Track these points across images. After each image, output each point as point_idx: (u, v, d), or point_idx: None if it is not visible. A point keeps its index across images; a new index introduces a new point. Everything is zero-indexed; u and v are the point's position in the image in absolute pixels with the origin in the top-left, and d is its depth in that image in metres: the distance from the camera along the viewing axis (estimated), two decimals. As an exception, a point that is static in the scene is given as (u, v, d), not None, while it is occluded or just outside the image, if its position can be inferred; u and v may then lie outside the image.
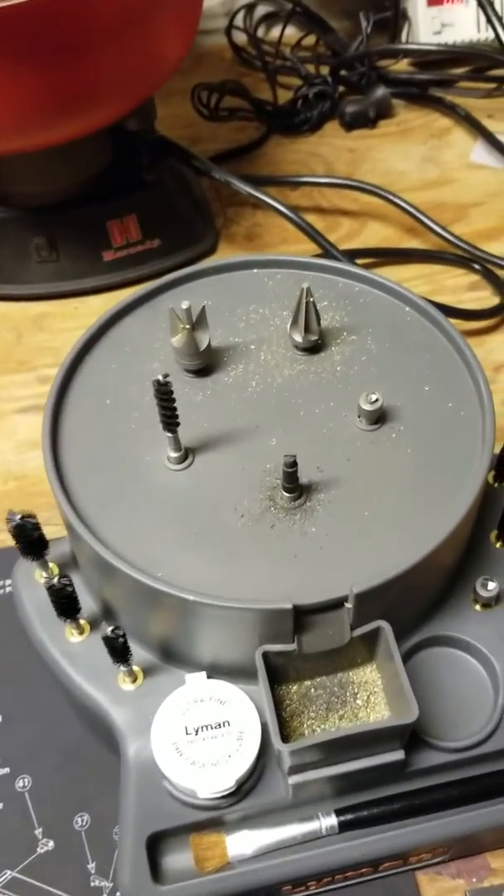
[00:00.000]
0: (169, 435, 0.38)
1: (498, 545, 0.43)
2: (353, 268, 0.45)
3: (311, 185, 0.70)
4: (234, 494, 0.38)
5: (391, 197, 0.66)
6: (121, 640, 0.37)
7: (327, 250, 0.60)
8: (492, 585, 0.41)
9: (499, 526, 0.43)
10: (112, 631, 0.36)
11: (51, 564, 0.43)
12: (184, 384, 0.42)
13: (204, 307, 0.40)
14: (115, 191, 0.65)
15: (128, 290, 0.67)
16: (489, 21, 0.69)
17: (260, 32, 0.85)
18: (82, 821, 0.44)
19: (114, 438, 0.41)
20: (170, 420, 0.37)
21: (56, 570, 0.43)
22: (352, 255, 0.63)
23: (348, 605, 0.35)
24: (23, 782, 0.45)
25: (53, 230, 0.64)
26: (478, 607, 0.41)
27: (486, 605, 0.41)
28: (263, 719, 0.37)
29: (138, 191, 0.65)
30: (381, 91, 0.77)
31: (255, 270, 0.47)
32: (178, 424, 0.37)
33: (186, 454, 0.39)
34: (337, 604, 0.36)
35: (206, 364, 0.42)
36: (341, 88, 0.79)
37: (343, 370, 0.42)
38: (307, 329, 0.42)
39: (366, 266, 0.67)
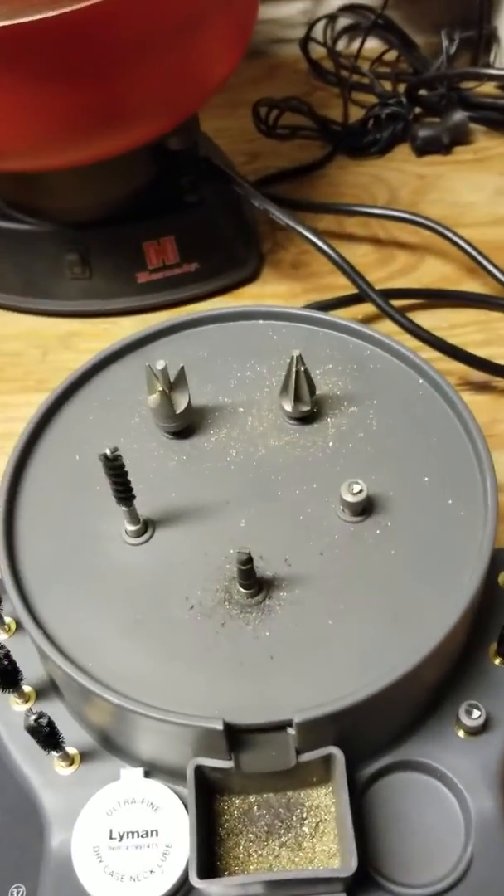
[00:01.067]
0: (124, 509, 0.34)
1: (497, 661, 0.38)
2: (364, 328, 0.40)
3: (365, 215, 0.64)
4: (189, 581, 0.34)
5: (450, 234, 0.61)
6: (45, 728, 0.33)
7: (362, 290, 0.55)
8: (476, 714, 0.35)
9: (499, 640, 0.37)
10: (35, 720, 0.33)
11: (7, 620, 0.40)
12: (159, 445, 0.39)
13: (182, 368, 0.36)
14: (154, 210, 0.61)
15: (160, 313, 0.64)
16: None
17: (340, 45, 0.80)
18: (18, 893, 0.41)
19: (76, 501, 0.37)
20: (122, 495, 0.33)
21: (13, 627, 0.41)
22: (393, 295, 0.58)
23: (291, 730, 0.31)
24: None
25: (88, 247, 0.61)
26: (461, 734, 0.36)
27: (473, 733, 0.36)
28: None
29: (178, 212, 0.61)
30: (458, 115, 0.71)
31: (259, 322, 0.42)
32: (132, 498, 0.34)
33: (146, 527, 0.36)
34: (279, 727, 0.31)
35: (184, 426, 0.38)
36: (417, 110, 0.74)
37: (335, 446, 0.38)
38: (297, 399, 0.37)
39: (414, 308, 0.62)
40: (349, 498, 0.34)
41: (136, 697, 0.31)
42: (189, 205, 0.61)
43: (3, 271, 0.64)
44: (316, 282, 0.65)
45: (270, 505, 0.36)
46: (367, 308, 0.60)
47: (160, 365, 0.35)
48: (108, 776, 0.36)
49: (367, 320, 0.61)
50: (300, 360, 0.36)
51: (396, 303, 0.58)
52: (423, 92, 0.74)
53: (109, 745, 0.36)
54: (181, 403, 0.37)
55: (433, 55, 0.76)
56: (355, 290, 0.58)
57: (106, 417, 0.40)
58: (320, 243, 0.55)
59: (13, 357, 0.63)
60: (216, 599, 0.34)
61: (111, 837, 0.34)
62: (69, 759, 0.37)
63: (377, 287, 0.58)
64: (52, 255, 0.62)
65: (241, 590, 0.33)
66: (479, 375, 0.57)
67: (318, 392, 0.39)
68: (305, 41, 0.79)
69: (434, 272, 0.65)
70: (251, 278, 0.65)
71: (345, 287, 0.61)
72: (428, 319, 0.59)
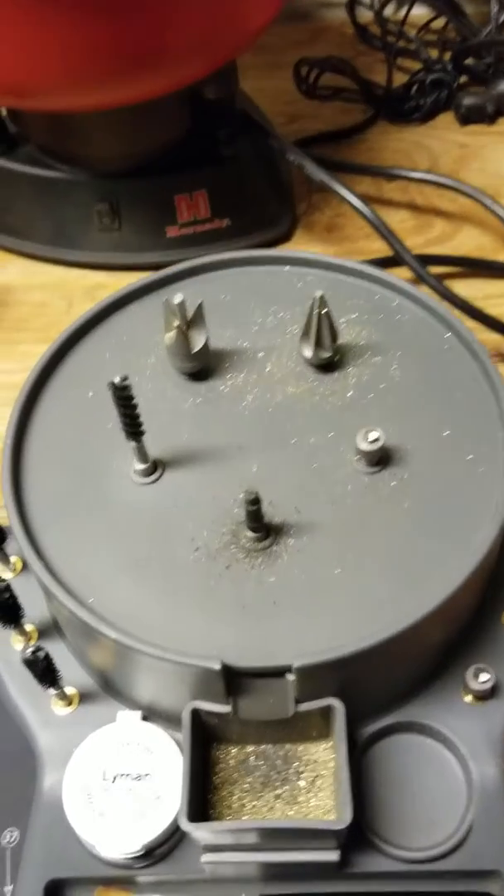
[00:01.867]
0: (133, 444, 0.34)
1: (510, 627, 0.37)
2: (392, 278, 0.39)
3: (405, 179, 0.63)
4: (196, 523, 0.33)
5: (489, 203, 0.59)
6: (42, 663, 0.33)
7: (398, 252, 0.54)
8: (485, 677, 0.34)
9: (513, 605, 0.36)
10: (32, 653, 0.32)
11: (13, 559, 0.40)
12: (174, 386, 0.38)
13: (201, 305, 0.35)
14: (188, 163, 0.60)
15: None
16: None
17: (388, 11, 0.78)
18: (11, 836, 0.41)
19: (85, 437, 0.36)
20: (131, 429, 0.32)
21: (19, 566, 0.40)
22: (429, 262, 0.56)
23: (290, 676, 0.30)
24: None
25: (118, 197, 0.60)
26: (468, 699, 0.35)
27: (479, 697, 0.35)
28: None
29: (212, 165, 0.60)
30: (505, 84, 0.69)
31: (286, 268, 0.41)
32: (141, 433, 0.33)
33: (155, 467, 0.35)
34: (278, 672, 0.30)
35: (201, 367, 0.37)
36: (463, 78, 0.72)
37: (355, 396, 0.37)
38: (318, 344, 0.36)
39: (449, 276, 0.60)
40: (365, 446, 0.33)
41: (136, 635, 0.30)
42: (224, 159, 0.60)
43: (33, 220, 0.63)
44: (350, 246, 0.63)
45: (284, 452, 0.35)
46: (402, 273, 0.58)
47: (177, 299, 0.34)
48: (105, 718, 0.35)
49: (401, 284, 0.59)
50: (322, 301, 0.35)
51: (433, 269, 0.57)
52: (469, 60, 0.72)
53: (109, 687, 0.36)
54: (198, 342, 0.36)
55: (482, 23, 0.74)
56: (390, 255, 0.57)
57: (121, 356, 0.39)
58: (356, 202, 0.54)
59: (38, 307, 0.62)
60: (222, 542, 0.33)
61: (104, 779, 0.34)
62: (67, 699, 0.36)
63: (413, 253, 0.56)
64: (83, 204, 0.61)
65: (248, 533, 0.32)
66: (511, 346, 0.55)
67: (341, 341, 0.37)
68: (352, 5, 0.77)
69: (471, 242, 0.64)
70: (283, 239, 0.64)
71: (379, 252, 0.59)
72: (463, 289, 0.57)
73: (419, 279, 0.55)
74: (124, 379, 0.30)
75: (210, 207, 0.61)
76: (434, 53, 0.74)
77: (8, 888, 0.39)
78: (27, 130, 0.60)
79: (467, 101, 0.70)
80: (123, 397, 0.31)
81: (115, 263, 0.63)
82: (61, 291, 0.63)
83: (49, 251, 0.63)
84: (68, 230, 0.62)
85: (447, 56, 0.73)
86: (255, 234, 0.63)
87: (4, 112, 0.61)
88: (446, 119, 0.72)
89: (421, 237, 0.64)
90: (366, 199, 0.61)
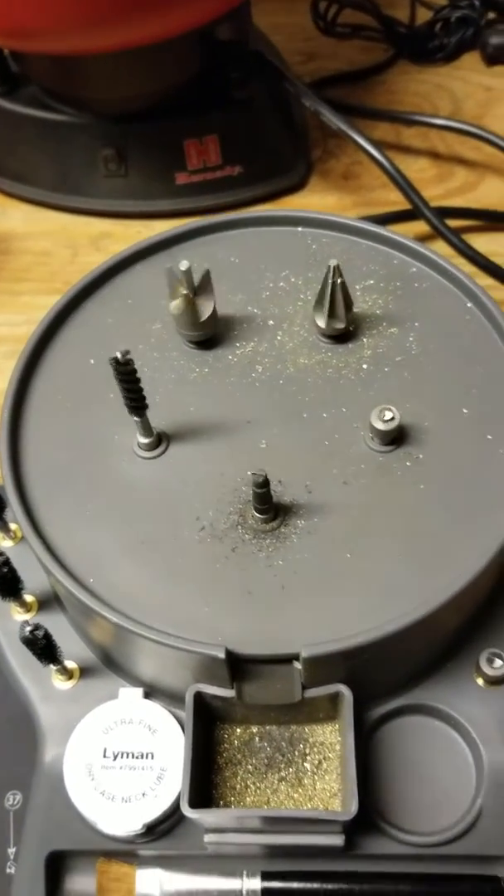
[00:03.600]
0: (136, 419, 0.32)
1: (524, 610, 0.36)
2: (413, 243, 0.37)
3: (424, 125, 0.60)
4: (201, 501, 0.32)
5: (516, 152, 0.56)
6: (41, 641, 0.32)
7: (416, 206, 0.51)
8: (499, 663, 0.33)
9: (529, 588, 0.35)
10: (31, 632, 0.32)
11: (14, 527, 0.39)
12: (181, 355, 0.36)
13: (208, 272, 0.33)
14: (198, 107, 0.57)
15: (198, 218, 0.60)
16: None
17: None
18: (14, 799, 0.40)
19: (87, 408, 0.35)
20: (134, 403, 0.31)
21: (19, 534, 0.39)
22: (449, 214, 0.54)
23: (297, 665, 0.29)
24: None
25: (125, 142, 0.58)
26: (480, 682, 0.34)
27: (493, 682, 0.34)
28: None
29: (224, 109, 0.57)
30: (536, 22, 0.65)
31: (299, 229, 0.39)
32: (145, 407, 0.31)
33: (159, 440, 0.34)
34: (285, 660, 0.29)
35: (208, 336, 0.36)
36: (491, 15, 0.68)
37: (370, 369, 0.35)
38: (332, 314, 0.34)
39: (470, 229, 0.58)
40: (380, 425, 0.32)
41: (137, 618, 0.30)
42: (236, 102, 0.57)
43: (37, 165, 0.60)
44: (366, 195, 0.61)
45: (294, 427, 0.34)
46: (419, 226, 0.56)
47: (184, 266, 0.32)
48: (106, 694, 0.35)
49: (418, 240, 0.57)
50: (338, 270, 0.33)
51: (452, 223, 0.54)
52: (498, -5, 0.68)
53: (110, 663, 0.35)
54: (205, 311, 0.34)
55: (514, -46, 0.70)
56: (408, 207, 0.54)
57: (126, 321, 0.37)
58: (373, 150, 0.51)
59: (42, 256, 0.60)
60: (229, 523, 0.32)
61: (105, 756, 0.33)
62: (68, 674, 0.36)
63: (432, 204, 0.54)
64: (88, 148, 0.58)
65: (256, 514, 0.31)
66: (534, 308, 0.53)
67: (355, 309, 0.36)
68: None
69: (494, 193, 0.61)
70: (298, 187, 0.61)
71: (397, 203, 0.57)
72: (485, 244, 0.55)
73: (437, 233, 0.53)
74: (126, 353, 0.29)
75: (221, 153, 0.58)
76: (461, -12, 0.70)
77: (11, 850, 0.39)
78: (30, 71, 0.57)
79: (494, 39, 0.66)
80: (125, 372, 0.29)
81: (122, 211, 0.61)
82: (66, 239, 0.61)
83: (53, 197, 0.61)
84: (73, 175, 0.60)
85: (475, -9, 0.69)
86: (269, 181, 0.60)
87: (7, 52, 0.58)
88: (471, 59, 0.68)
89: (441, 187, 0.61)
90: (384, 145, 0.58)
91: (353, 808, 0.29)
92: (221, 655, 0.28)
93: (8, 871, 0.39)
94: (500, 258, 0.53)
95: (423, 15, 0.69)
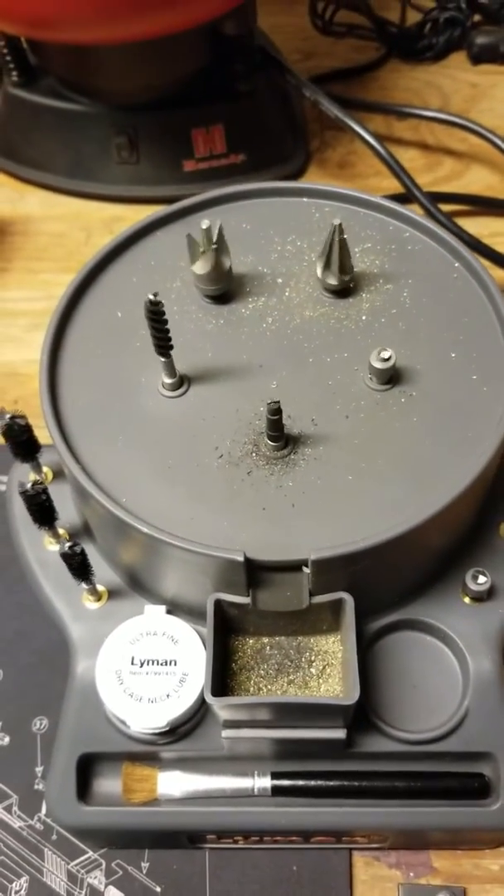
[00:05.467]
0: (162, 360, 0.36)
1: (506, 537, 0.40)
2: (406, 210, 0.41)
3: (416, 117, 0.64)
4: (219, 433, 0.36)
5: (499, 143, 0.60)
6: (78, 557, 0.36)
7: (408, 189, 0.56)
8: (482, 579, 0.38)
9: (510, 517, 0.39)
10: (70, 547, 0.35)
11: (45, 469, 0.43)
12: (199, 309, 0.40)
13: (221, 228, 0.37)
14: (205, 98, 0.61)
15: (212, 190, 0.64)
16: None
17: None
18: (41, 724, 0.44)
19: (116, 354, 0.39)
20: (162, 344, 0.35)
21: (50, 476, 0.43)
22: (439, 199, 0.58)
23: (307, 569, 0.33)
24: (-7, 675, 0.45)
25: (137, 130, 0.62)
26: (467, 600, 0.38)
27: (477, 598, 0.38)
28: (212, 666, 0.36)
29: (229, 100, 0.61)
30: (518, 23, 0.70)
31: (304, 199, 0.43)
32: (170, 349, 0.35)
33: (181, 382, 0.38)
34: (295, 566, 0.33)
35: (224, 291, 0.40)
36: (477, 17, 0.72)
37: (368, 320, 0.39)
38: (336, 269, 0.38)
39: (458, 214, 0.62)
40: (378, 364, 0.36)
41: (166, 530, 0.33)
42: (241, 94, 0.61)
43: (53, 152, 0.64)
44: (361, 183, 0.65)
45: (301, 370, 0.38)
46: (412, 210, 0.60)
47: (204, 224, 0.36)
48: (132, 612, 0.38)
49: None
50: (340, 228, 0.37)
51: (441, 208, 0.59)
52: (483, -1, 0.73)
53: (135, 584, 0.39)
54: (222, 265, 0.38)
55: (498, -40, 0.74)
56: (400, 193, 0.58)
57: (149, 280, 0.41)
58: (369, 138, 0.56)
59: (57, 238, 0.64)
60: (244, 451, 0.36)
61: (132, 663, 0.37)
62: (97, 595, 0.39)
63: (424, 191, 0.58)
64: (102, 136, 0.62)
65: (269, 442, 0.35)
66: (516, 283, 0.57)
67: (355, 269, 0.40)
68: None
69: (480, 181, 0.65)
70: (297, 174, 0.66)
71: (389, 189, 0.61)
72: (472, 226, 0.59)
73: (429, 216, 0.57)
74: (156, 295, 0.33)
75: (226, 142, 0.63)
76: (449, -9, 0.75)
77: (38, 768, 0.43)
78: (48, 63, 0.61)
79: (480, 39, 0.71)
80: (156, 312, 0.33)
81: (133, 196, 0.65)
82: (80, 223, 0.65)
83: (68, 183, 0.65)
84: (87, 162, 0.64)
85: (462, -6, 0.73)
86: (270, 169, 0.65)
87: (25, 44, 0.62)
88: (458, 58, 0.73)
89: (430, 175, 0.66)
90: (377, 137, 0.62)
91: (356, 693, 0.33)
92: (240, 559, 0.32)
93: (36, 787, 0.42)
94: (487, 239, 0.57)
95: (414, 16, 0.74)
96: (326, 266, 0.38)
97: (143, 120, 0.61)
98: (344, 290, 0.40)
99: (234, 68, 0.60)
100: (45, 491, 0.37)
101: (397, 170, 0.56)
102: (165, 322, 0.34)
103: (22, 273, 0.62)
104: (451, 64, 0.73)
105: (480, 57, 0.71)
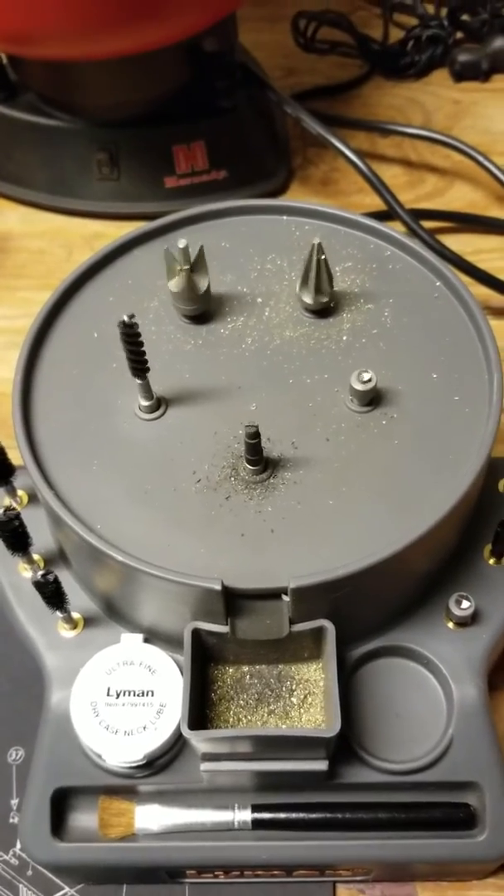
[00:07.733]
0: (139, 382, 0.35)
1: (490, 562, 0.39)
2: (386, 228, 0.41)
3: (399, 134, 0.64)
4: (197, 457, 0.35)
5: (482, 159, 0.60)
6: (51, 586, 0.35)
7: (391, 206, 0.55)
8: (466, 604, 0.37)
9: (493, 540, 0.38)
10: (43, 576, 0.35)
11: (20, 493, 0.42)
12: (177, 329, 0.39)
13: (202, 249, 0.37)
14: (186, 114, 0.61)
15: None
16: None
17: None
18: (16, 754, 0.43)
19: (92, 375, 0.38)
20: (137, 366, 0.34)
21: (25, 500, 0.42)
22: (422, 216, 0.58)
23: (286, 597, 0.32)
24: (-35, 704, 0.44)
25: (118, 147, 0.61)
26: (450, 625, 0.38)
27: (461, 623, 0.37)
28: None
29: (210, 116, 0.61)
30: (499, 42, 0.70)
31: (284, 217, 0.43)
32: (146, 370, 0.35)
33: (159, 404, 0.37)
34: (274, 594, 0.33)
35: (202, 311, 0.39)
36: (458, 34, 0.72)
37: (349, 341, 0.38)
38: (316, 290, 0.38)
39: (441, 231, 0.62)
40: (358, 386, 0.35)
41: (142, 558, 0.32)
42: (222, 110, 0.61)
43: (33, 168, 0.64)
44: (344, 200, 0.65)
45: (281, 391, 0.37)
46: (394, 227, 0.60)
47: (181, 244, 0.36)
48: (109, 641, 0.37)
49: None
50: (320, 248, 0.36)
51: (424, 225, 0.58)
52: (465, 17, 0.73)
53: (112, 612, 0.38)
54: (201, 285, 0.37)
55: (480, -22, 0.74)
56: (383, 210, 0.58)
57: (126, 299, 0.40)
58: (352, 155, 0.55)
59: (37, 255, 0.63)
60: (222, 475, 0.35)
61: (108, 694, 0.36)
62: (73, 623, 0.38)
63: (406, 208, 0.58)
64: (82, 153, 0.62)
65: (248, 466, 0.34)
66: (499, 300, 0.57)
67: (336, 288, 0.39)
68: (350, -43, 0.78)
69: (462, 198, 0.65)
70: (279, 191, 0.65)
71: (371, 206, 0.61)
72: (454, 243, 0.59)
73: (412, 233, 0.57)
74: (132, 317, 0.32)
75: (208, 158, 0.62)
76: (430, 9, 0.75)
77: (14, 801, 0.42)
78: (28, 79, 0.61)
79: (462, 57, 0.71)
80: (130, 335, 0.33)
81: (114, 212, 0.64)
82: (61, 239, 0.64)
83: (49, 199, 0.64)
84: (68, 179, 0.63)
85: (443, 12, 0.73)
86: (252, 186, 0.64)
87: (5, 59, 0.61)
88: (440, 76, 0.73)
89: (413, 193, 0.66)
90: (360, 154, 0.62)
91: (337, 724, 0.32)
92: (218, 587, 0.32)
93: (11, 820, 0.41)
94: (470, 256, 0.57)
95: (396, 34, 0.74)
96: (306, 286, 0.38)
97: (124, 136, 0.61)
98: (324, 310, 0.39)
99: (216, 85, 0.60)
100: (17, 517, 0.36)
101: (379, 187, 0.56)
102: (141, 344, 0.33)
103: (0, 290, 0.61)
104: (433, 81, 0.72)
105: (462, 74, 0.71)
